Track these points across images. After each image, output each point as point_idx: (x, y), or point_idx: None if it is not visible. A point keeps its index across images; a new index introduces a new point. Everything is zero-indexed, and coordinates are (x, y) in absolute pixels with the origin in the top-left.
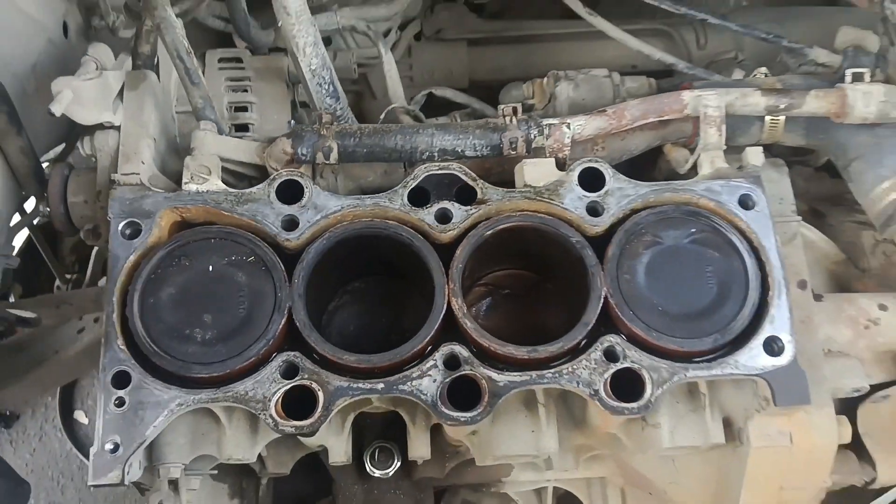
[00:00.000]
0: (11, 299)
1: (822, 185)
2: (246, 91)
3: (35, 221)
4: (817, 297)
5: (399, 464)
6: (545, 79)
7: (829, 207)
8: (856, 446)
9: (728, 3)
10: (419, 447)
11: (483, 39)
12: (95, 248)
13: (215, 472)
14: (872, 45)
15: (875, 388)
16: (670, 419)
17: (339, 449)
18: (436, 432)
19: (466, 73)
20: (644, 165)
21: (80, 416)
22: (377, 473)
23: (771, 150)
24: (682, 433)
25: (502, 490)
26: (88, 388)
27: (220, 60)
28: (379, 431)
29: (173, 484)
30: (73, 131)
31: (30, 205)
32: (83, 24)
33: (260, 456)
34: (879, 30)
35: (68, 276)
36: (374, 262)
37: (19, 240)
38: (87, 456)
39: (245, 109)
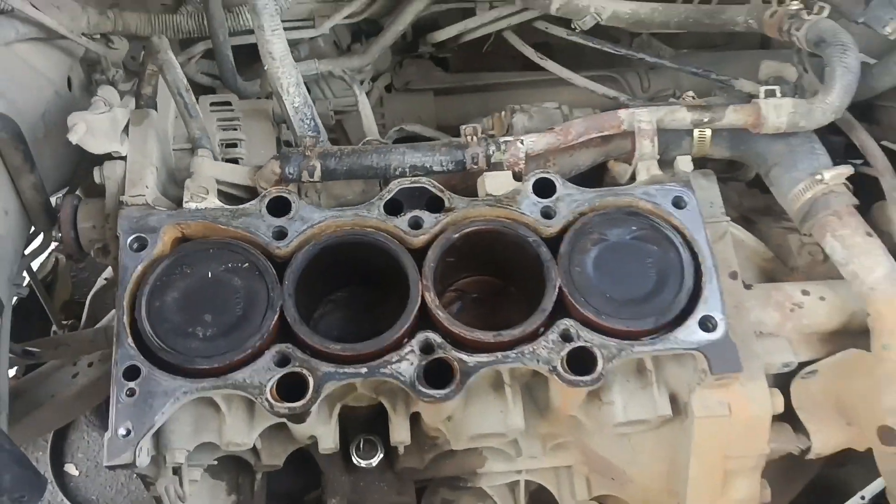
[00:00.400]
0: None
1: (754, 199)
2: (235, 129)
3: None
4: (747, 286)
5: (382, 455)
6: (503, 112)
7: (759, 217)
8: (791, 419)
9: (668, 52)
10: (400, 432)
11: (448, 89)
12: (90, 296)
13: (215, 463)
14: (791, 75)
15: (804, 366)
16: (622, 396)
17: (327, 437)
18: (415, 425)
19: (434, 120)
20: (592, 180)
21: (71, 469)
22: (362, 464)
23: (707, 165)
24: (633, 408)
25: (478, 484)
26: (79, 442)
27: (212, 104)
28: (363, 426)
29: (177, 470)
30: (75, 175)
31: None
32: (85, 79)
33: (255, 449)
34: (795, 60)
35: (64, 323)
36: (356, 272)
37: None
38: None
39: (235, 145)
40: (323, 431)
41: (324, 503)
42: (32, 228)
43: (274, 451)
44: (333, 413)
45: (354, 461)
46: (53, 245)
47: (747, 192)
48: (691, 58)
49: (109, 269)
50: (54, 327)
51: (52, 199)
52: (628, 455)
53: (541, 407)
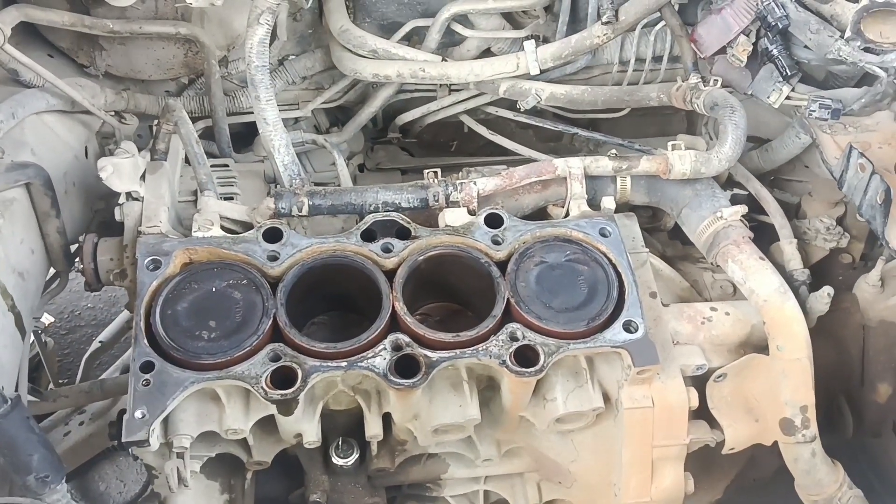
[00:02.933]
0: None
1: (674, 249)
2: (232, 186)
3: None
4: (665, 305)
5: (358, 455)
6: (460, 173)
7: (679, 261)
8: (708, 418)
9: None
10: (373, 427)
11: (413, 168)
12: (85, 357)
13: (213, 456)
14: (702, 146)
15: (715, 371)
16: (563, 394)
17: (311, 432)
18: (387, 432)
19: None
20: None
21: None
22: (340, 463)
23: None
24: (572, 402)
25: (442, 492)
26: None
27: (212, 165)
28: (342, 431)
29: (181, 456)
30: (88, 228)
31: None
32: (99, 150)
33: (247, 445)
34: (703, 132)
35: (61, 382)
36: (336, 299)
37: None
38: None
39: (231, 199)
40: (308, 427)
41: (307, 499)
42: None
43: (264, 449)
44: (316, 411)
45: (333, 461)
46: (42, 323)
47: (669, 242)
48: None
49: (103, 332)
50: (51, 385)
51: None
52: (571, 453)
53: (495, 414)
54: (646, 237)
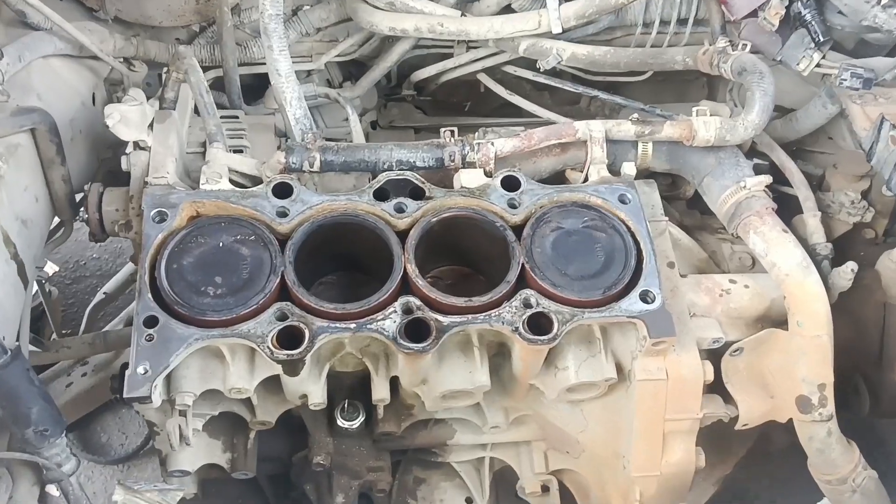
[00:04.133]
0: None
1: (693, 218)
2: (241, 138)
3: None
4: (682, 275)
5: (363, 418)
6: (476, 133)
7: (697, 231)
8: (722, 393)
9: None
10: (380, 391)
11: (427, 128)
12: (88, 308)
13: (216, 414)
14: (725, 113)
15: (731, 345)
16: (574, 363)
17: (317, 394)
18: (394, 396)
19: None
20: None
21: (52, 490)
22: (345, 425)
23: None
24: (584, 372)
25: (448, 457)
26: None
27: (222, 117)
28: (348, 393)
29: (184, 413)
30: (94, 179)
31: None
32: (107, 97)
33: (251, 405)
34: (727, 99)
35: (64, 333)
36: (346, 257)
37: None
38: None
39: (241, 152)
40: (313, 389)
41: (310, 461)
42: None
43: (268, 409)
44: (323, 372)
45: (339, 423)
46: (46, 273)
47: (687, 211)
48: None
49: (107, 283)
50: (54, 336)
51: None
52: (580, 423)
53: (504, 381)
54: (664, 205)
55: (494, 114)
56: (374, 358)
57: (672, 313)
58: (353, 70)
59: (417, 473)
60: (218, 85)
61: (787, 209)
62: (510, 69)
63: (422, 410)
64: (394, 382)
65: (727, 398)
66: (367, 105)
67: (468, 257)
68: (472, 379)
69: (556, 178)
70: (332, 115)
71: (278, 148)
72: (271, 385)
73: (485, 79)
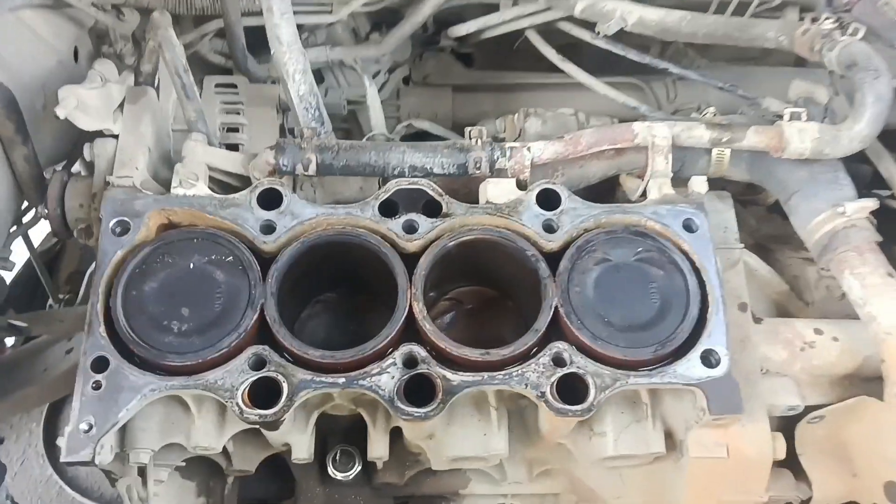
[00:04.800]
0: None
1: (771, 225)
2: (238, 114)
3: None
4: (757, 320)
5: (360, 467)
6: (517, 114)
7: (777, 245)
8: (793, 465)
9: (702, 63)
10: (378, 448)
11: (467, 86)
12: (89, 271)
13: (183, 464)
14: (822, 97)
15: (811, 410)
16: (615, 428)
17: (302, 446)
18: (396, 439)
19: (450, 116)
20: (603, 194)
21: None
22: (339, 476)
23: (726, 187)
24: (625, 442)
25: None
26: None
27: (217, 85)
28: (342, 436)
29: (141, 471)
30: (76, 148)
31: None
32: (93, 50)
33: (227, 453)
34: (827, 81)
35: (61, 297)
36: (346, 274)
37: (19, 261)
38: (67, 482)
39: (236, 130)
40: (298, 440)
41: None
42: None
43: (246, 456)
44: (310, 421)
45: (330, 473)
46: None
47: (766, 216)
48: (722, 71)
49: None
50: (50, 301)
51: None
52: (617, 488)
53: (529, 430)
54: (737, 210)
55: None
56: (371, 408)
57: (740, 372)
58: (383, 16)
59: None
60: (223, 33)
61: (890, 228)
62: (565, 26)
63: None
64: (396, 427)
65: (798, 472)
66: (398, 58)
67: (494, 279)
68: (486, 444)
69: (608, 185)
70: (354, 72)
71: (270, 148)
72: (250, 429)
73: (534, 38)
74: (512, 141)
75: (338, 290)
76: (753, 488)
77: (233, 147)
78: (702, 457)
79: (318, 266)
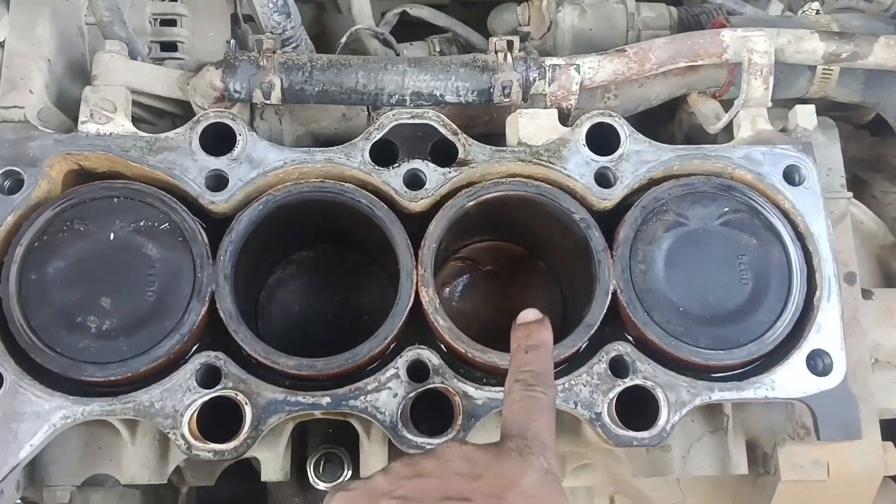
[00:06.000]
0: None
1: (861, 146)
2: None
3: None
4: (866, 294)
5: (350, 474)
6: (544, 0)
7: (871, 174)
8: None
9: None
10: (375, 463)
11: None
12: None
13: (119, 487)
14: None
15: None
16: (683, 441)
17: (273, 464)
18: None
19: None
20: (658, 116)
21: None
22: (321, 486)
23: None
24: (696, 460)
25: None
26: None
27: None
28: (325, 434)
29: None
30: None
31: None
32: None
33: (177, 467)
34: None
35: None
36: (327, 227)
37: None
38: None
39: (173, 23)
40: (268, 457)
41: None
42: None
43: (202, 471)
44: (284, 434)
45: (312, 482)
46: None
47: (853, 134)
48: None
49: None
50: None
51: None
52: (675, 497)
53: (566, 423)
54: None
55: None
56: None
57: (849, 371)
58: None
59: None
60: None
61: None
62: None
63: None
64: None
65: None
66: None
67: (521, 232)
68: None
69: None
70: None
71: (216, 63)
72: None
73: None
74: (538, 37)
75: (316, 247)
76: None
77: (169, 47)
78: (796, 480)
79: (291, 224)
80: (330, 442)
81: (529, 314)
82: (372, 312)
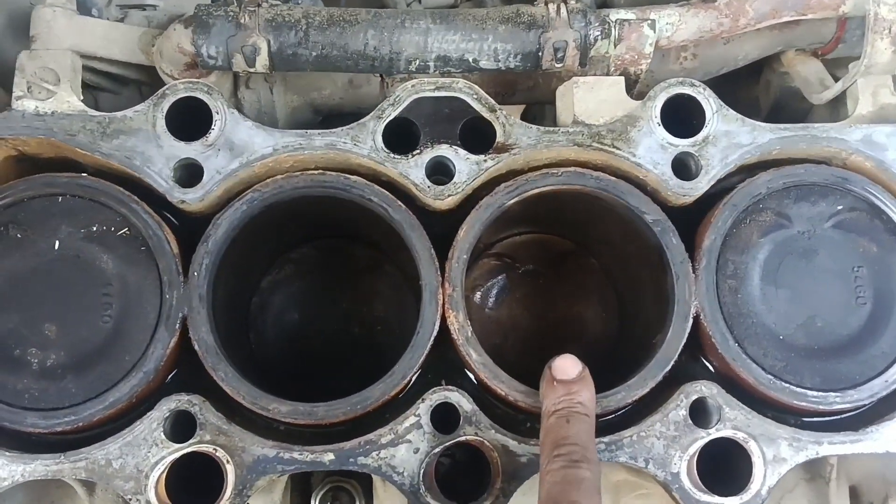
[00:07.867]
0: None
1: None
2: None
3: None
4: None
5: None
6: None
7: None
8: None
9: None
10: (391, 500)
11: None
12: None
13: None
14: None
15: None
16: (769, 482)
17: None
18: None
19: None
20: (738, 76)
21: None
22: None
23: None
24: None
25: None
26: None
27: None
28: None
29: None
30: None
31: None
32: None
33: None
34: None
35: None
36: (331, 218)
37: None
38: None
39: None
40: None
41: None
42: None
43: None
44: (279, 482)
45: None
46: None
47: None
48: None
49: None
50: None
51: None
52: None
53: None
54: None
55: None
56: None
57: None
58: None
59: None
60: None
61: None
62: None
63: None
64: None
65: None
66: None
67: (570, 223)
68: None
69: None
70: None
71: (185, 19)
72: None
73: None
74: None
75: (317, 243)
76: None
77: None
78: None
79: (283, 222)
80: (338, 473)
81: (569, 367)
82: (385, 321)
